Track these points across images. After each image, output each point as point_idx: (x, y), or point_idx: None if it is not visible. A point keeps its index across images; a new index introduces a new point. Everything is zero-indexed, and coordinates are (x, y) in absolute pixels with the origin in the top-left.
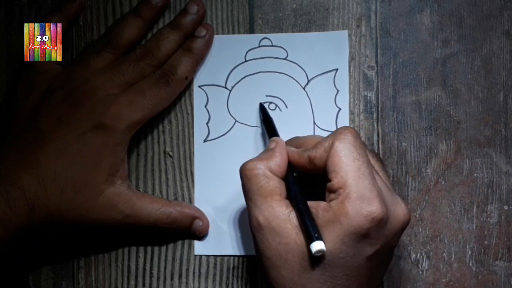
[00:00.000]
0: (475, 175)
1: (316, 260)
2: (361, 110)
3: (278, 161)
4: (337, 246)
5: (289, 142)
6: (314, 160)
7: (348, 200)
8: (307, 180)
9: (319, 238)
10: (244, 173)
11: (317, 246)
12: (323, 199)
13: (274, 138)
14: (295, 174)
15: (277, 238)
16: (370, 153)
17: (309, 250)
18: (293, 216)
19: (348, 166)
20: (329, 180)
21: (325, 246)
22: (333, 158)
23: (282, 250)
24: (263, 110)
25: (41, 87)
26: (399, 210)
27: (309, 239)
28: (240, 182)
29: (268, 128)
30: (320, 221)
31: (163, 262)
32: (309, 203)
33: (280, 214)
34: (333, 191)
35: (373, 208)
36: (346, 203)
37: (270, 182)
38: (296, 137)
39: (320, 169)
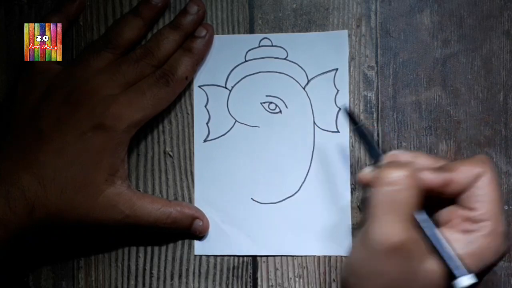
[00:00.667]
0: None
1: None
2: (361, 110)
3: (427, 175)
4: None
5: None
6: (451, 183)
7: (494, 235)
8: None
9: (466, 272)
10: (393, 179)
11: (466, 281)
12: None
13: (395, 152)
14: None
15: (410, 262)
16: None
17: (445, 278)
18: (421, 242)
19: (498, 201)
20: (470, 209)
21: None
22: (485, 187)
23: (408, 277)
24: (351, 117)
25: (41, 87)
26: None
27: (456, 272)
28: (239, 182)
29: (368, 143)
30: (462, 251)
31: (163, 262)
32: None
33: (418, 237)
34: (474, 221)
35: (505, 248)
36: (491, 238)
37: (418, 197)
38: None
39: (451, 193)
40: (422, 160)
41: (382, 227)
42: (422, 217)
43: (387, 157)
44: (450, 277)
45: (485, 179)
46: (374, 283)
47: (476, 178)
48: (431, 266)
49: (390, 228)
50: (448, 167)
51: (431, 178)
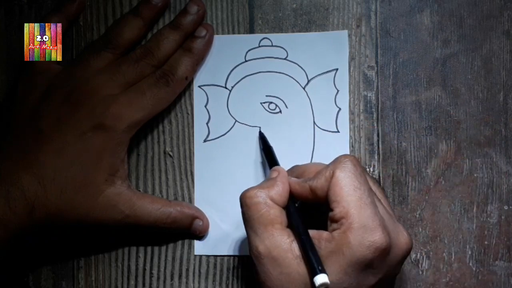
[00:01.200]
0: (475, 175)
1: None
2: (361, 110)
3: (279, 191)
4: (340, 276)
5: (290, 171)
6: (315, 190)
7: (350, 230)
8: (308, 210)
9: (323, 271)
10: (244, 201)
11: (320, 279)
12: (325, 229)
13: (276, 167)
14: (296, 204)
15: (278, 268)
16: (371, 180)
17: (312, 282)
18: (295, 246)
19: (350, 195)
20: (331, 210)
21: (328, 278)
22: (334, 188)
23: (283, 280)
24: (262, 139)
25: (41, 87)
26: (401, 238)
27: (313, 272)
28: (239, 182)
29: (268, 157)
30: (323, 252)
31: (163, 262)
32: (311, 232)
33: (281, 244)
34: (335, 221)
35: (376, 238)
36: (348, 233)
37: (271, 210)
38: (296, 166)
39: (322, 199)
40: (310, 170)
41: (248, 240)
42: (295, 220)
43: (271, 172)
44: (312, 274)
45: (334, 179)
46: (269, 284)
47: (329, 180)
48: (305, 269)
49: (251, 241)
50: (312, 176)
51: (297, 189)
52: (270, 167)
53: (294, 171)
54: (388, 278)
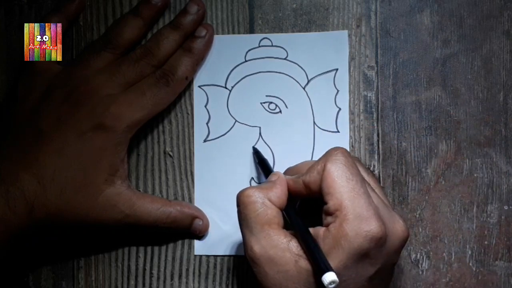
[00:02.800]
0: (475, 175)
1: (321, 286)
2: (361, 110)
3: (278, 192)
4: (340, 271)
5: (285, 172)
6: (309, 185)
7: (346, 222)
8: (307, 212)
9: (330, 269)
10: (242, 199)
11: (329, 277)
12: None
13: (276, 172)
14: (297, 206)
15: (274, 267)
16: (364, 170)
17: (316, 280)
18: (292, 245)
19: (343, 187)
20: (325, 203)
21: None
22: (326, 180)
23: (281, 279)
24: (256, 153)
25: (41, 87)
26: (397, 226)
27: (319, 271)
28: (239, 182)
29: (264, 169)
30: (322, 248)
31: (163, 262)
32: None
33: (278, 243)
34: (330, 213)
35: (372, 227)
36: (344, 225)
37: (268, 211)
38: (290, 167)
39: (316, 193)
40: (303, 167)
41: (244, 240)
42: (296, 221)
43: (271, 176)
44: (320, 273)
45: (325, 172)
46: (267, 285)
47: (321, 173)
48: (303, 265)
49: (247, 241)
50: (305, 171)
51: (291, 185)
52: (266, 176)
53: (289, 172)
54: (386, 268)
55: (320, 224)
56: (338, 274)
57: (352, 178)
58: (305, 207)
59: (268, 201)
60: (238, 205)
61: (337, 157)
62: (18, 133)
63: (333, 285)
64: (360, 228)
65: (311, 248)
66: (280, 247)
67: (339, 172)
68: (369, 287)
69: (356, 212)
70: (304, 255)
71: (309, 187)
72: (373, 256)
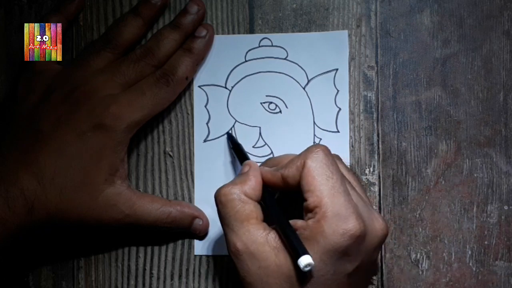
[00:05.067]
0: (475, 175)
1: (300, 278)
2: (361, 110)
3: (252, 185)
4: (317, 263)
5: (265, 163)
6: (286, 179)
7: (324, 219)
8: (287, 202)
9: (306, 252)
10: (219, 199)
11: (305, 260)
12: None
13: (247, 161)
14: (276, 196)
15: (256, 262)
16: (344, 168)
17: (295, 267)
18: (271, 237)
19: (322, 185)
20: (305, 200)
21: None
22: (306, 178)
23: (262, 274)
24: (230, 138)
25: (41, 87)
26: (376, 224)
27: (296, 256)
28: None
29: (238, 154)
30: (303, 238)
31: (163, 262)
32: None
33: (257, 238)
34: (309, 210)
35: (350, 225)
36: (322, 222)
37: (246, 206)
38: (270, 158)
39: (293, 187)
40: (284, 161)
41: (226, 238)
42: (273, 211)
43: (243, 167)
44: (296, 257)
45: (306, 169)
46: (249, 280)
47: (300, 169)
48: (281, 259)
49: (229, 238)
50: (283, 165)
51: (269, 178)
52: (241, 163)
53: (269, 163)
54: (366, 265)
55: (299, 215)
56: (314, 266)
57: (332, 177)
58: (284, 199)
59: (244, 196)
60: (216, 204)
61: (317, 154)
62: (18, 133)
63: (308, 268)
64: (338, 226)
65: (288, 235)
66: (259, 241)
67: (319, 170)
68: (348, 284)
69: (335, 210)
70: (283, 247)
71: (287, 181)
72: (352, 254)
